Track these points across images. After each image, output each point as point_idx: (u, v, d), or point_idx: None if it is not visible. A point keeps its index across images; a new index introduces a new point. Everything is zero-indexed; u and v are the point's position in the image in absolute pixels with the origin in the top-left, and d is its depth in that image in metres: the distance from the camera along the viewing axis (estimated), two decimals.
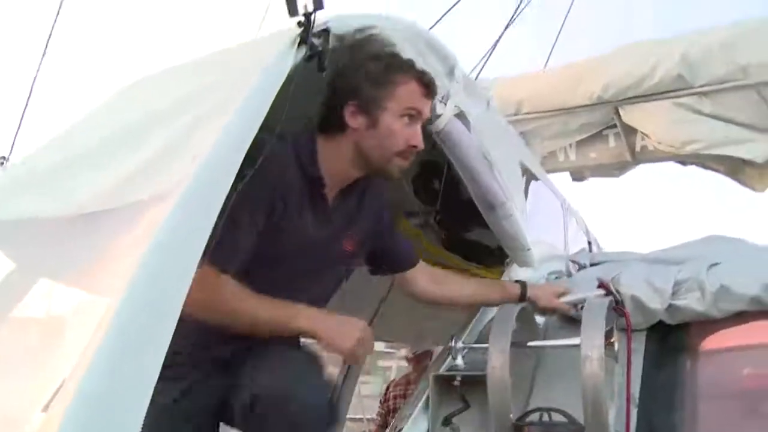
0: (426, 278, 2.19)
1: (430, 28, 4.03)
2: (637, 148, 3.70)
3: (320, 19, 1.69)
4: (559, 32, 4.41)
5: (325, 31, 1.69)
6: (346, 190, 1.90)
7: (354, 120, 1.79)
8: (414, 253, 2.18)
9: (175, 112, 1.52)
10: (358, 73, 1.78)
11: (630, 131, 3.65)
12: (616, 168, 3.94)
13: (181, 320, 1.08)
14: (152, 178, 1.29)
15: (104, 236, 1.22)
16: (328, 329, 1.71)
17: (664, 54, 3.40)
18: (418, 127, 1.82)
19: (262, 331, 1.73)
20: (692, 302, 2.13)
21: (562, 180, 4.02)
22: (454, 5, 4.14)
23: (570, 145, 3.85)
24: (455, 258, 3.07)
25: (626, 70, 3.45)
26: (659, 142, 3.52)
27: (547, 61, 4.35)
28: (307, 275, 1.85)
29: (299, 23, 1.63)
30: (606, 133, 3.78)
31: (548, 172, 3.86)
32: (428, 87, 1.82)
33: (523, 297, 2.22)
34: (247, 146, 1.38)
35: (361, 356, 1.78)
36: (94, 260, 1.20)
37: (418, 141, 1.81)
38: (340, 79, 1.78)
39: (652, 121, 3.50)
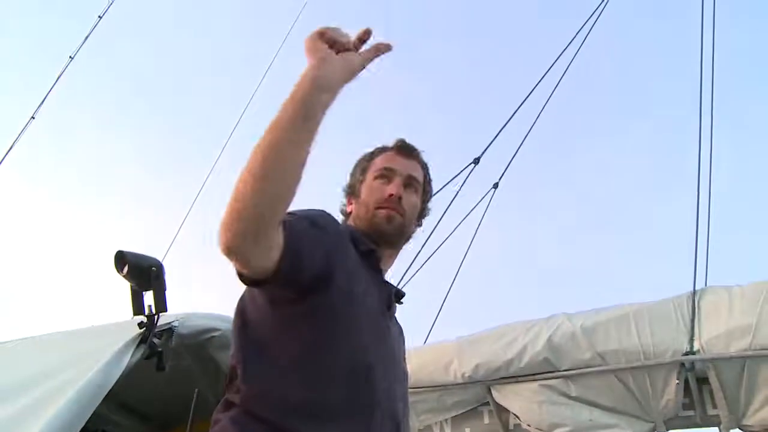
0: None
1: None
2: (511, 426, 3.75)
3: (167, 315, 1.76)
4: (440, 308, 4.60)
5: (168, 330, 1.73)
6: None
7: (350, 206, 1.94)
8: None
9: (11, 394, 1.52)
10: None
11: (503, 410, 3.72)
12: None
13: None
14: None
15: None
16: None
17: (531, 337, 3.58)
18: (396, 180, 1.91)
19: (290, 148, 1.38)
20: None
21: None
22: None
23: (446, 420, 3.88)
24: None
25: (496, 352, 3.60)
26: (529, 423, 3.58)
27: (428, 336, 4.50)
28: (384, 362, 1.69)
29: (140, 323, 1.68)
30: (481, 409, 3.84)
31: None
32: (402, 149, 1.98)
33: None
34: None
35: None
36: None
37: (394, 190, 1.88)
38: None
39: (521, 402, 3.59)
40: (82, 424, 1.44)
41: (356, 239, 1.79)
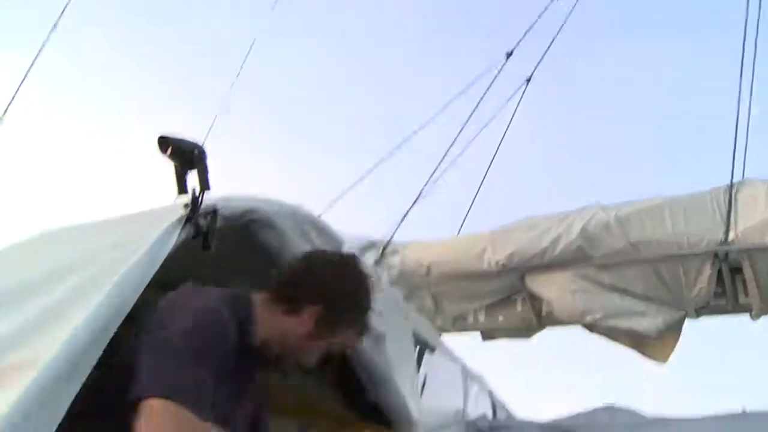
0: None
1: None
2: (543, 314, 3.82)
3: (208, 199, 1.79)
4: (473, 201, 4.63)
5: (213, 212, 1.77)
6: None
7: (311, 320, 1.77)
8: None
9: (54, 279, 1.53)
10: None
11: (536, 298, 3.79)
12: (525, 330, 4.03)
13: None
14: (23, 345, 1.30)
15: None
16: None
17: (565, 227, 3.60)
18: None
19: None
20: None
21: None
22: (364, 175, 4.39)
23: (479, 308, 3.95)
24: (357, 417, 3.07)
25: (530, 241, 3.63)
26: (561, 310, 3.65)
27: (461, 227, 4.54)
28: None
29: (186, 204, 1.72)
30: (515, 297, 3.90)
31: (458, 332, 3.97)
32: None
33: None
34: (122, 318, 1.41)
35: None
36: None
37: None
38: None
39: (554, 290, 3.64)
40: (131, 306, 1.44)
41: (245, 332, 1.70)
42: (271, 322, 1.76)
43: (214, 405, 1.51)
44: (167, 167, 1.79)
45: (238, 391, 1.73)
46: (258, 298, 1.78)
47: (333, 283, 1.81)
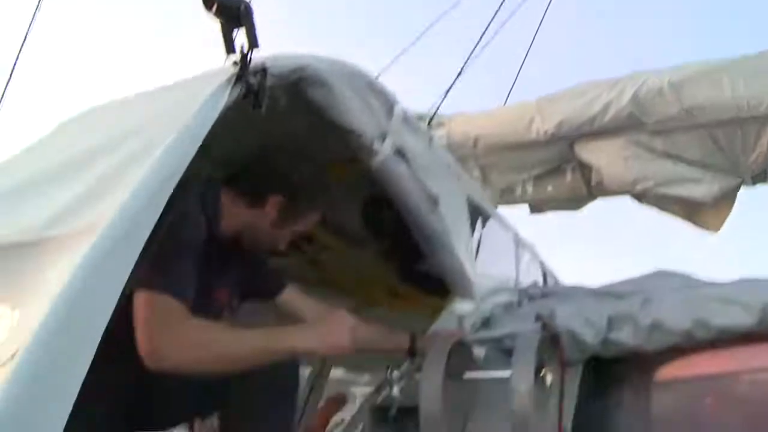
0: None
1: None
2: (593, 183, 3.76)
3: (257, 58, 1.75)
4: (520, 69, 4.52)
5: (263, 70, 1.73)
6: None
7: (274, 210, 1.95)
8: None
9: (109, 148, 1.56)
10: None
11: (585, 167, 3.72)
12: (574, 201, 4.00)
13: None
14: (81, 212, 1.31)
15: (23, 269, 1.24)
16: (323, 340, 1.82)
17: (615, 93, 3.48)
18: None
19: (243, 365, 1.72)
20: (626, 336, 2.18)
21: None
22: (413, 42, 4.28)
23: (528, 179, 3.91)
24: (410, 288, 3.11)
25: (579, 108, 3.53)
26: (612, 179, 3.59)
27: (507, 97, 4.45)
28: None
29: (235, 62, 1.68)
30: (564, 167, 3.84)
31: (506, 204, 3.95)
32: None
33: (412, 348, 2.18)
34: (176, 182, 1.41)
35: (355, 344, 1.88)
36: (8, 295, 1.21)
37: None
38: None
39: (605, 158, 3.57)
40: (184, 168, 1.41)
41: (214, 226, 1.87)
42: (238, 216, 1.93)
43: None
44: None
45: (208, 281, 1.87)
46: (226, 193, 1.93)
47: (292, 172, 1.97)
